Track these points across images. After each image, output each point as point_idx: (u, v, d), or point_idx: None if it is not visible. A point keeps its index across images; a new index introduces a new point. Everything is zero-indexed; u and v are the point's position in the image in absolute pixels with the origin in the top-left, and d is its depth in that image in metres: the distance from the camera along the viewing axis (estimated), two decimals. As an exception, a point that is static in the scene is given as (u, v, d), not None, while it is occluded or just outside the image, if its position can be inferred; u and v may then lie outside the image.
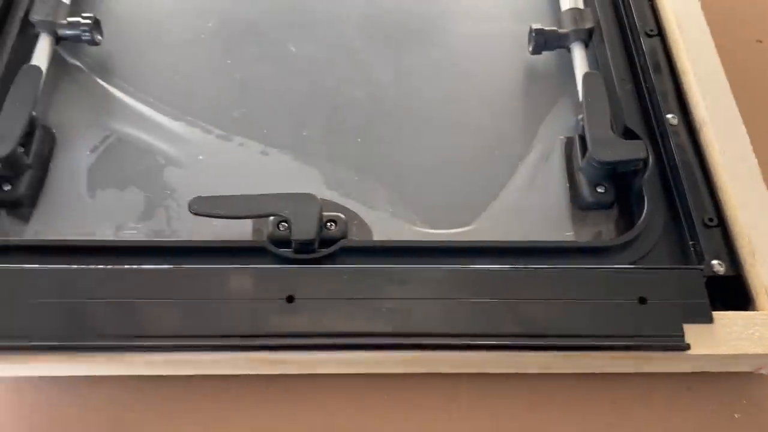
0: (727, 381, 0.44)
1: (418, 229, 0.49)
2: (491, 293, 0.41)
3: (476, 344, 0.40)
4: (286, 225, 0.46)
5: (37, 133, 0.51)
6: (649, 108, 0.53)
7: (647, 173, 0.48)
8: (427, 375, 0.43)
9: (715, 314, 0.42)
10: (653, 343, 0.41)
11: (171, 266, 0.42)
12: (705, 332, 0.41)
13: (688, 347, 0.40)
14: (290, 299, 0.41)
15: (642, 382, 0.44)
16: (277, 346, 0.39)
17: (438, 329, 0.40)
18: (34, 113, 0.50)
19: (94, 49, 0.57)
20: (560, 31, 0.57)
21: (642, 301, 0.42)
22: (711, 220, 0.47)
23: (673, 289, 0.42)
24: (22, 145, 0.49)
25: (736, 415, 0.43)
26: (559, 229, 0.49)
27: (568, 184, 0.51)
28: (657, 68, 0.55)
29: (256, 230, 0.48)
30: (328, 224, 0.47)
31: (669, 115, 0.52)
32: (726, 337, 0.41)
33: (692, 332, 0.41)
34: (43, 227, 0.48)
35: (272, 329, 0.40)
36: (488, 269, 0.43)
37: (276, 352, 0.40)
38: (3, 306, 0.40)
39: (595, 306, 0.41)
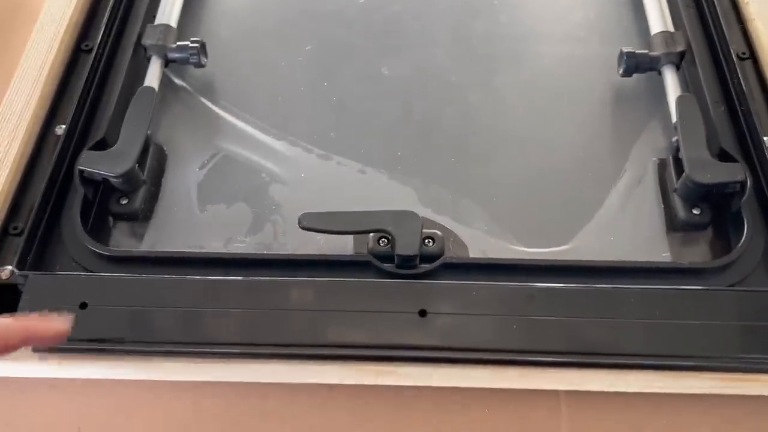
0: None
1: (513, 247, 0.50)
2: (618, 314, 0.42)
3: (602, 363, 0.41)
4: (386, 241, 0.47)
5: (151, 151, 0.54)
6: (745, 130, 0.53)
7: (745, 195, 0.48)
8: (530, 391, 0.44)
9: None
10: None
11: (295, 278, 0.44)
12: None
13: None
14: (423, 313, 0.42)
15: (742, 404, 0.44)
16: (413, 358, 0.41)
17: (552, 347, 0.42)
18: (149, 132, 0.54)
19: (198, 71, 0.60)
20: (651, 54, 0.58)
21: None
22: (814, 245, 0.47)
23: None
24: (138, 162, 0.52)
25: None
26: (655, 250, 0.50)
27: (662, 206, 0.52)
28: (750, 91, 0.55)
29: (356, 245, 0.50)
30: (426, 241, 0.49)
31: (766, 138, 0.52)
32: None
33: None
34: (157, 239, 0.51)
35: (407, 342, 0.41)
36: (613, 290, 0.44)
37: (409, 365, 0.41)
38: (122, 312, 0.43)
39: (719, 327, 0.42)
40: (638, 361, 0.41)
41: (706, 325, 0.42)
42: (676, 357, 0.41)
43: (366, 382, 0.42)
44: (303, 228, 0.47)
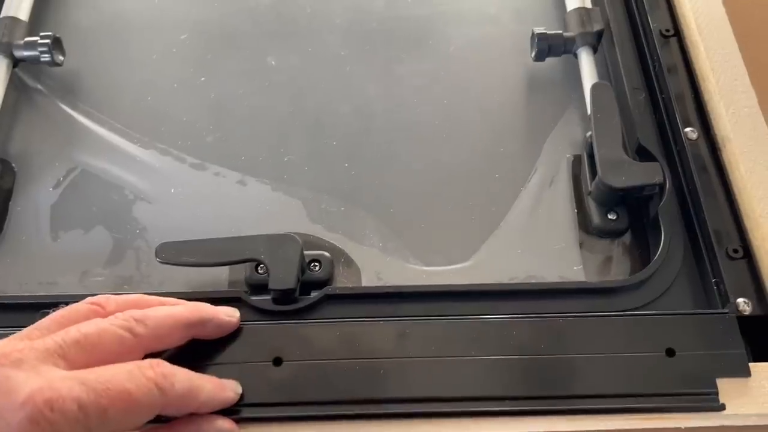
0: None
1: (410, 266, 0.45)
2: (498, 349, 0.37)
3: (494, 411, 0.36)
4: (265, 267, 0.41)
5: (-6, 170, 0.47)
6: (666, 121, 0.48)
7: (664, 199, 0.44)
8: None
9: (753, 366, 0.37)
10: (682, 404, 0.36)
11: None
12: (741, 388, 0.36)
13: (722, 408, 0.36)
14: (277, 362, 0.36)
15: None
16: (260, 419, 0.35)
17: (425, 393, 0.36)
18: (-11, 147, 0.46)
19: (57, 70, 0.53)
20: (566, 34, 0.52)
21: (669, 353, 0.37)
22: (736, 251, 0.42)
23: (703, 337, 0.37)
24: (-23, 184, 0.45)
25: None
26: (567, 263, 0.45)
27: (575, 210, 0.47)
28: (674, 74, 0.49)
29: (232, 272, 0.44)
30: (312, 265, 0.43)
31: (688, 129, 0.47)
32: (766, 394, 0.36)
33: (727, 388, 0.36)
34: (2, 274, 0.44)
35: (253, 398, 0.35)
36: (493, 320, 0.38)
37: (255, 425, 0.35)
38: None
39: (618, 360, 0.36)
40: (529, 407, 0.36)
41: (627, 357, 0.37)
42: (594, 397, 0.36)
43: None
44: (161, 261, 0.41)
